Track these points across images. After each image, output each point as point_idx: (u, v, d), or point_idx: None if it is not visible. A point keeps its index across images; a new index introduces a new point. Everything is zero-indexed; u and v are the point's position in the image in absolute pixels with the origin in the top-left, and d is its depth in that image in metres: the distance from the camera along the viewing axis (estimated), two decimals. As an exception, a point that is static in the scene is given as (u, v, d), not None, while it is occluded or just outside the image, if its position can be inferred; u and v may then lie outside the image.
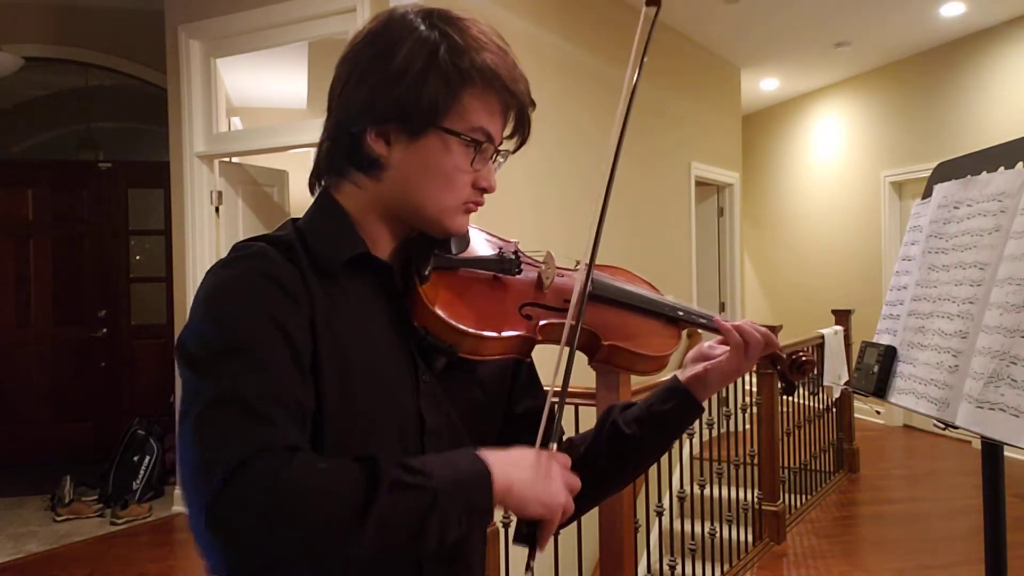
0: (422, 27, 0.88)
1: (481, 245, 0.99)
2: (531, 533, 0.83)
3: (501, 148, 0.93)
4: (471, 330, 0.88)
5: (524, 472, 0.81)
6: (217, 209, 4.62)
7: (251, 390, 0.74)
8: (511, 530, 2.70)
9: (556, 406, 0.86)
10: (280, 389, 0.76)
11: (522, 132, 0.94)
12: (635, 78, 0.91)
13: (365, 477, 0.72)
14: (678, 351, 1.06)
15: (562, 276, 1.00)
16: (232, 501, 0.68)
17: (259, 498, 0.68)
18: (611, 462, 1.03)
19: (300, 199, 5.63)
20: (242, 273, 0.82)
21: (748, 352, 1.01)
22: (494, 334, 0.90)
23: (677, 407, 1.04)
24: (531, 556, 0.83)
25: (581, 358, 0.94)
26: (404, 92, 0.85)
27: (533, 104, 0.94)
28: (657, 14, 0.92)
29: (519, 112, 0.92)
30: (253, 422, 0.73)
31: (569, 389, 0.86)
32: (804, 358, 1.08)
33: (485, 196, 0.94)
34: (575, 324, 0.89)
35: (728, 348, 1.03)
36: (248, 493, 0.68)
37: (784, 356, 1.08)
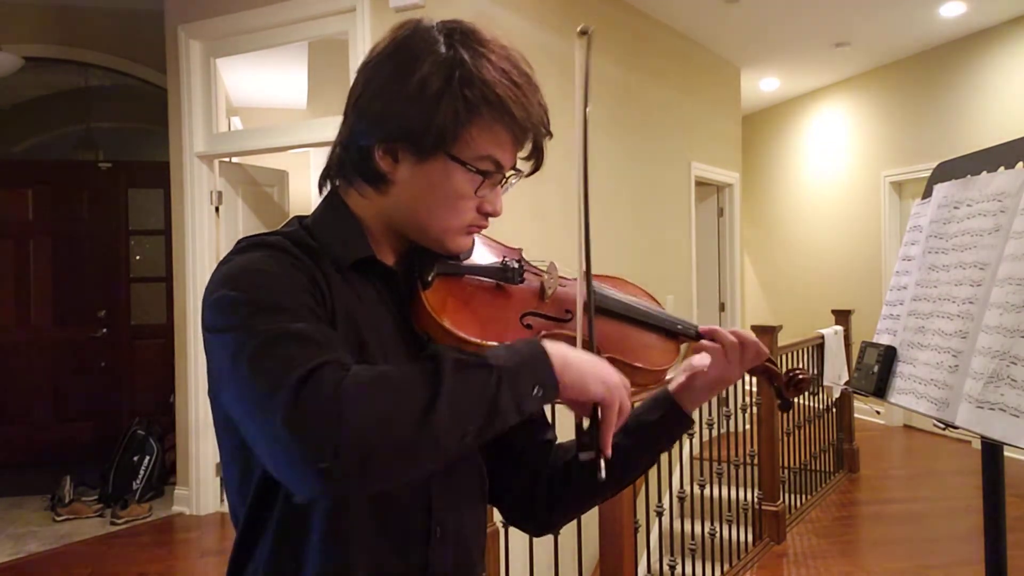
0: (442, 48, 0.87)
1: (485, 252, 1.00)
2: (592, 435, 0.83)
3: (515, 169, 0.93)
4: (472, 338, 0.88)
5: (576, 354, 0.83)
6: (217, 209, 4.62)
7: (299, 328, 0.75)
8: (511, 531, 2.70)
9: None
10: (323, 329, 0.78)
11: (536, 160, 0.94)
12: (585, 107, 0.92)
13: (429, 366, 0.74)
14: (677, 364, 1.06)
15: (564, 286, 1.00)
16: (308, 406, 0.68)
17: (333, 397, 0.69)
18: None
19: (300, 199, 5.66)
20: (261, 255, 0.82)
21: (730, 357, 1.02)
22: (495, 343, 0.90)
23: (664, 418, 1.05)
24: (597, 460, 0.84)
25: None
26: (415, 114, 0.85)
27: (549, 134, 0.93)
28: (590, 44, 0.91)
29: (533, 143, 0.92)
30: (310, 347, 0.73)
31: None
32: (801, 376, 1.08)
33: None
34: (588, 338, 0.90)
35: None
36: (321, 395, 0.69)
37: (781, 373, 1.08)
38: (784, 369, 1.10)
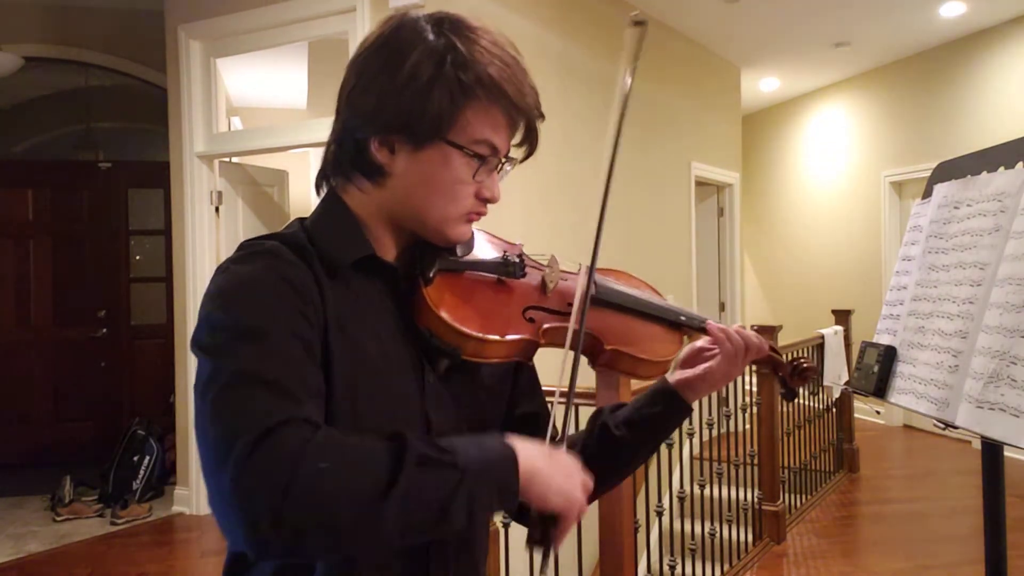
0: (431, 36, 0.87)
1: (486, 248, 1.00)
2: (545, 533, 0.82)
3: (508, 157, 0.93)
4: (474, 333, 0.88)
5: (546, 462, 0.81)
6: (217, 209, 4.62)
7: (271, 369, 0.74)
8: (511, 531, 2.70)
9: (567, 408, 0.88)
10: (299, 372, 0.77)
11: (530, 143, 0.94)
12: (628, 89, 0.91)
13: (392, 451, 0.72)
14: (679, 355, 1.07)
15: (566, 280, 1.00)
16: (258, 469, 0.67)
17: (286, 466, 0.67)
18: (601, 463, 1.02)
19: (300, 199, 5.66)
20: (255, 268, 0.82)
21: (737, 358, 1.03)
22: (497, 337, 0.90)
23: (666, 410, 1.05)
24: (546, 557, 0.83)
25: (583, 361, 0.95)
26: (409, 103, 0.85)
27: (542, 116, 0.93)
28: (645, 34, 0.91)
29: (526, 125, 0.92)
30: (276, 397, 0.72)
31: (578, 390, 0.86)
32: (805, 364, 1.08)
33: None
34: (579, 328, 0.90)
35: (715, 350, 1.04)
36: (274, 461, 0.68)
37: (785, 362, 1.08)
38: (788, 359, 1.10)
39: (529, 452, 0.79)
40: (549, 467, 0.81)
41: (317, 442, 0.70)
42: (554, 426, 0.88)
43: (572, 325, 0.91)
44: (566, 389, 0.88)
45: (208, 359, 0.76)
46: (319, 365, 0.80)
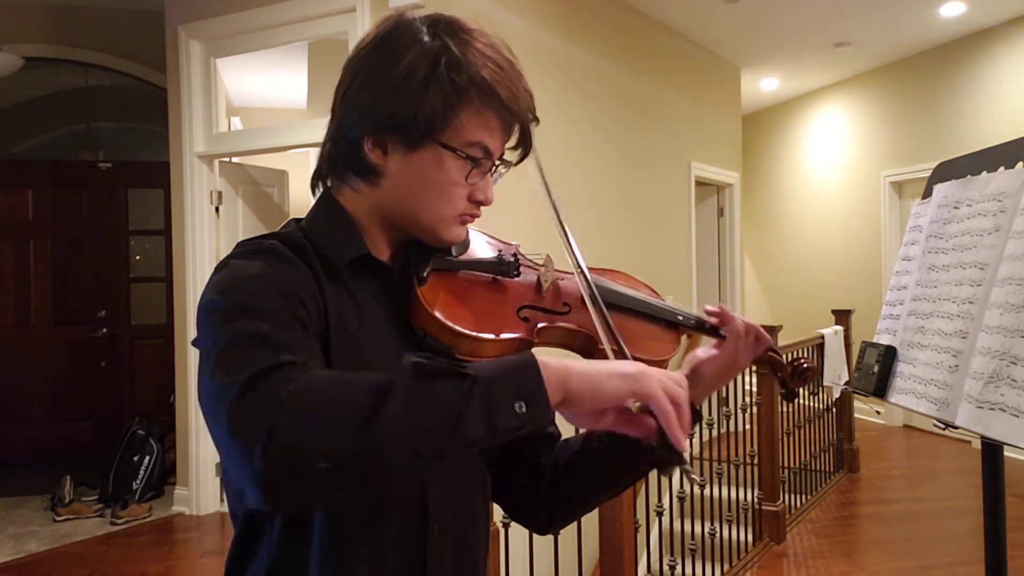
0: (426, 37, 0.87)
1: (481, 247, 1.00)
2: (661, 444, 0.74)
3: (502, 159, 0.93)
4: (469, 332, 0.88)
5: (588, 362, 0.76)
6: (217, 209, 4.62)
7: (270, 331, 0.74)
8: (511, 531, 2.70)
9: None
10: (298, 340, 0.76)
11: (524, 146, 0.93)
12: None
13: (388, 373, 0.69)
14: (677, 356, 1.06)
15: (561, 279, 1.00)
16: (251, 403, 0.66)
17: (277, 396, 0.66)
18: (603, 466, 1.02)
19: (300, 199, 5.66)
20: (255, 263, 0.82)
21: (745, 345, 1.01)
22: (492, 336, 0.90)
23: None
24: (681, 463, 0.75)
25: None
26: (402, 104, 0.85)
27: (536, 119, 0.93)
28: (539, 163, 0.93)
29: (520, 128, 0.92)
30: (274, 348, 0.71)
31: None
32: (806, 365, 1.08)
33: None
34: (607, 324, 0.89)
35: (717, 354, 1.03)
36: (266, 393, 0.66)
37: (785, 363, 1.08)
38: (788, 359, 1.09)
39: (561, 360, 0.73)
40: (587, 364, 0.75)
41: (310, 375, 0.68)
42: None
43: (599, 326, 0.90)
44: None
45: (208, 336, 0.76)
46: (319, 350, 0.80)
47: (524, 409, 0.69)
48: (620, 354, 0.88)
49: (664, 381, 0.75)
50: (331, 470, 0.65)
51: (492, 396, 0.69)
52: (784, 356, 1.11)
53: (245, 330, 0.74)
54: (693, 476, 0.79)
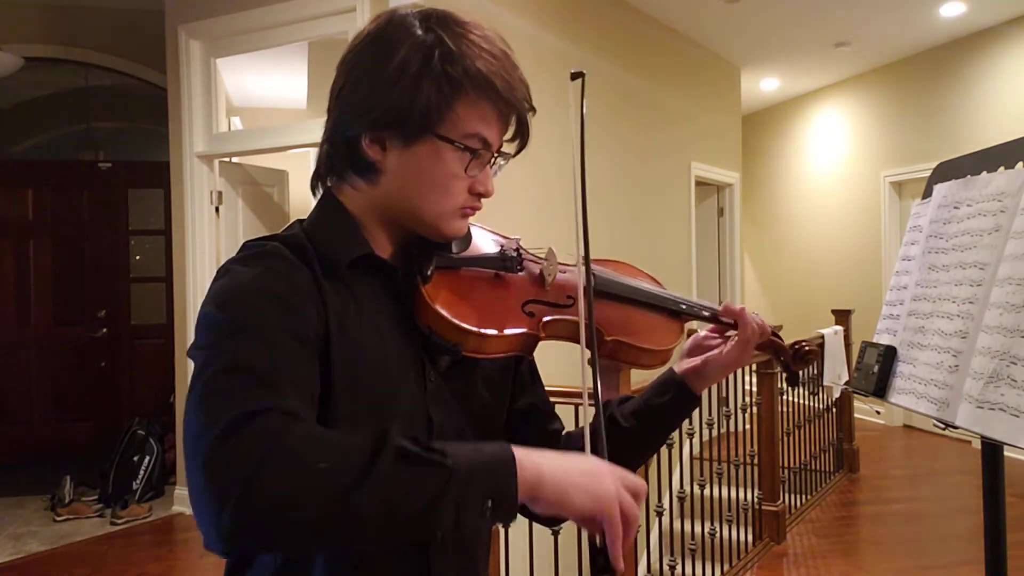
0: (419, 31, 0.87)
1: (483, 243, 0.99)
2: (603, 553, 0.76)
3: (501, 151, 0.92)
4: (474, 328, 0.88)
5: (557, 462, 0.76)
6: (217, 209, 4.62)
7: (259, 363, 0.73)
8: (511, 531, 2.70)
9: (596, 416, 0.85)
10: (290, 366, 0.75)
11: (522, 137, 0.93)
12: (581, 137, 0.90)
13: (373, 443, 0.69)
14: (681, 344, 1.06)
15: (564, 272, 1.00)
16: (229, 453, 0.65)
17: (256, 452, 0.65)
18: (611, 456, 1.02)
19: (300, 199, 5.66)
20: (256, 270, 0.82)
21: (751, 342, 1.02)
22: (497, 332, 0.90)
23: (674, 400, 1.04)
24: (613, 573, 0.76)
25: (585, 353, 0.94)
26: (398, 98, 0.85)
27: (533, 109, 0.92)
28: (584, 84, 0.91)
29: (517, 119, 0.91)
30: (260, 387, 0.71)
31: (567, 389, 0.86)
32: (807, 348, 1.09)
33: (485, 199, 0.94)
34: (588, 324, 0.88)
35: (719, 338, 1.05)
36: (246, 445, 0.65)
37: (787, 346, 1.09)
38: (789, 343, 1.10)
39: (532, 455, 0.74)
40: (561, 467, 0.75)
41: (293, 431, 0.68)
42: (586, 433, 0.85)
43: (582, 322, 0.89)
44: (590, 392, 0.85)
45: (200, 355, 0.76)
46: (316, 365, 0.80)
47: (490, 509, 0.71)
48: (592, 354, 0.88)
49: (625, 504, 0.77)
50: (299, 534, 0.66)
51: (465, 494, 0.70)
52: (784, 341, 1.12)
53: (234, 357, 0.73)
54: None
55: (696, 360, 1.04)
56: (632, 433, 1.02)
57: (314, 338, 0.80)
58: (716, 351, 1.04)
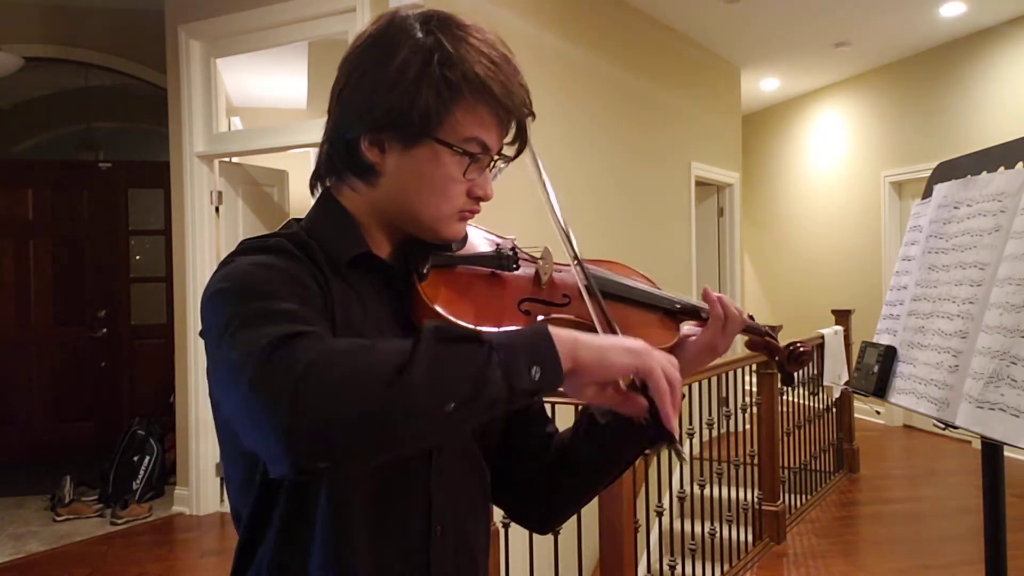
0: (419, 34, 0.87)
1: (479, 242, 1.00)
2: (654, 418, 0.76)
3: (500, 155, 0.93)
4: (470, 326, 0.88)
5: (593, 335, 0.78)
6: (217, 209, 4.62)
7: (284, 307, 0.74)
8: (511, 531, 2.70)
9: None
10: (312, 312, 0.76)
11: (521, 142, 0.93)
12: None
13: (412, 338, 0.70)
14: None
15: (560, 271, 1.00)
16: (279, 364, 0.66)
17: (306, 356, 0.66)
18: (592, 454, 1.02)
19: (300, 199, 5.66)
20: (261, 257, 0.82)
21: (726, 327, 1.02)
22: (493, 330, 0.90)
23: None
24: (671, 443, 0.77)
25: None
26: (397, 101, 0.85)
27: (532, 115, 0.93)
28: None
29: (516, 124, 0.91)
30: (291, 320, 0.72)
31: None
32: (802, 349, 1.09)
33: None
34: (603, 315, 0.89)
35: (699, 329, 1.04)
36: (290, 356, 0.66)
37: (781, 347, 1.09)
38: (784, 343, 1.10)
39: (570, 331, 0.76)
40: (597, 337, 0.77)
41: (334, 342, 0.70)
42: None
43: (595, 317, 0.90)
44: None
45: (218, 320, 0.75)
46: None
47: (539, 374, 0.72)
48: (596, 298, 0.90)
49: (663, 361, 0.78)
50: (359, 426, 0.65)
51: (510, 360, 0.71)
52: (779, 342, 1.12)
53: (260, 308, 0.73)
54: (683, 456, 0.80)
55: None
56: (611, 428, 1.01)
57: (322, 313, 0.80)
58: (689, 333, 1.04)
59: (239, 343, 0.70)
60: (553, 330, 0.75)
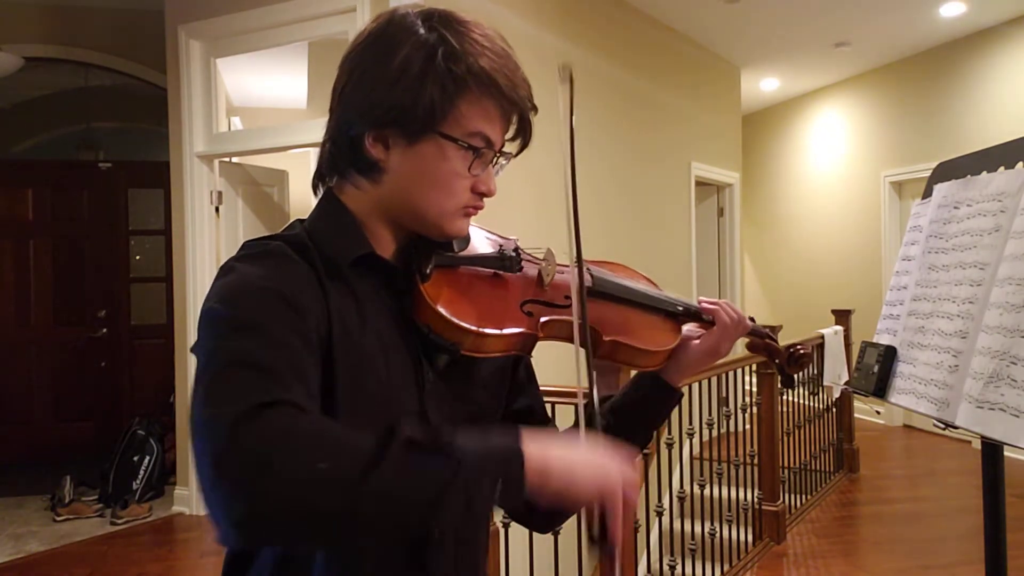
0: (421, 30, 0.87)
1: (481, 243, 1.00)
2: (601, 531, 0.77)
3: (503, 151, 0.93)
4: (473, 327, 0.88)
5: (563, 449, 0.76)
6: (217, 209, 4.62)
7: (264, 357, 0.73)
8: (511, 531, 2.70)
9: (589, 401, 0.85)
10: (295, 362, 0.76)
11: (524, 136, 0.93)
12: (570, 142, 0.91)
13: (382, 434, 0.69)
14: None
15: (562, 273, 1.00)
16: (242, 446, 0.66)
17: (270, 441, 0.66)
18: None
19: (300, 199, 5.66)
20: (260, 268, 0.82)
21: (732, 332, 1.03)
22: (495, 331, 0.90)
23: (650, 393, 1.06)
24: (610, 557, 0.78)
25: (581, 353, 0.94)
26: (401, 96, 0.85)
27: (535, 108, 0.93)
28: (572, 87, 0.91)
29: (519, 117, 0.92)
30: (267, 380, 0.71)
31: (562, 388, 0.86)
32: (801, 351, 1.09)
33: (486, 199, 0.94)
34: (582, 322, 0.89)
35: (701, 332, 1.05)
36: (259, 437, 0.66)
37: (781, 350, 1.09)
38: (784, 346, 1.11)
39: (539, 442, 0.75)
40: (567, 453, 0.76)
41: (302, 423, 0.68)
42: (586, 419, 0.86)
43: (576, 321, 0.90)
44: (586, 390, 0.85)
45: (204, 351, 0.76)
46: (319, 363, 0.80)
47: (499, 492, 0.72)
48: (587, 350, 0.88)
49: (627, 485, 0.78)
50: (312, 525, 0.66)
51: (474, 482, 0.70)
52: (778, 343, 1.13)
53: (240, 352, 0.73)
54: (615, 559, 0.80)
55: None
56: (610, 430, 1.01)
57: (317, 337, 0.80)
58: (690, 339, 1.05)
59: (212, 399, 0.70)
60: (527, 449, 0.73)
